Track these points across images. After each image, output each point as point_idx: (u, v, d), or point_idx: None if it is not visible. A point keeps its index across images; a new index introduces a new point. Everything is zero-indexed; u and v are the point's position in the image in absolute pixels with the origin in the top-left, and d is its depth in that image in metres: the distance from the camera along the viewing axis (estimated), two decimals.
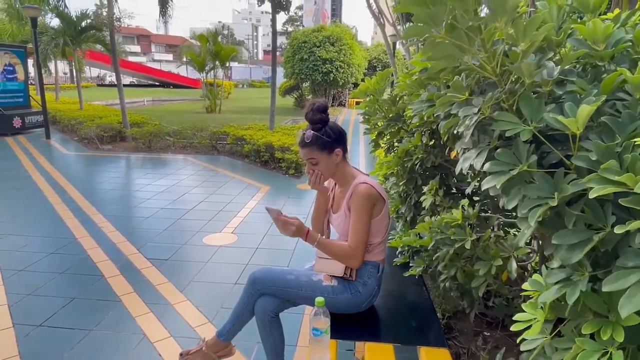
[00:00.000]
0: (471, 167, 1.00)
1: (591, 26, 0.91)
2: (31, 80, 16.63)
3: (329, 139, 1.82)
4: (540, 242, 1.56)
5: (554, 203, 0.81)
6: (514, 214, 0.92)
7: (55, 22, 15.76)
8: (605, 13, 1.18)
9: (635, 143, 0.76)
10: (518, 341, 0.94)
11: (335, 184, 2.03)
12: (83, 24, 14.70)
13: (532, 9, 1.16)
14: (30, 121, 11.31)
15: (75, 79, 18.92)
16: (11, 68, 11.37)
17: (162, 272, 3.35)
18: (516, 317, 0.96)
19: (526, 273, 1.84)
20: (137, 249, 3.81)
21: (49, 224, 4.44)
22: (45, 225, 4.42)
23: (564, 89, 0.91)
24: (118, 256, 3.63)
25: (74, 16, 14.48)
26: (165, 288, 3.09)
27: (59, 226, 4.35)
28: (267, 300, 1.88)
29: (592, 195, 0.74)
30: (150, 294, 2.99)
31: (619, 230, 0.71)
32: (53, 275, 3.24)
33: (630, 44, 0.96)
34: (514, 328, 0.95)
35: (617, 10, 1.12)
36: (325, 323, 1.51)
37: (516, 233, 1.86)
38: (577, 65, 1.07)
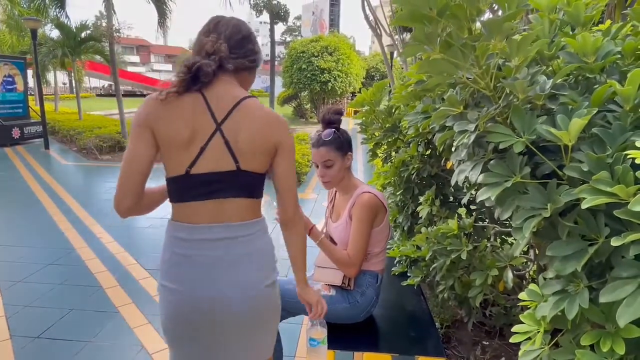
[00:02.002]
0: (466, 178, 1.01)
1: (581, 40, 0.93)
2: (30, 91, 16.69)
3: (344, 141, 1.84)
4: (537, 252, 1.56)
5: (547, 214, 0.82)
6: (511, 222, 0.92)
7: (55, 33, 15.83)
8: (598, 24, 1.20)
9: (628, 156, 0.77)
10: (520, 354, 0.93)
11: (336, 193, 2.03)
12: (82, 35, 14.75)
13: (524, 27, 1.18)
14: (29, 132, 11.35)
15: (74, 90, 18.98)
16: (10, 79, 11.43)
17: None
18: (515, 328, 0.96)
19: (524, 282, 1.84)
20: (135, 259, 3.80)
21: (47, 235, 4.42)
22: (44, 235, 4.41)
23: (556, 103, 0.92)
24: (116, 267, 3.62)
25: (73, 27, 14.56)
26: None
27: (57, 237, 4.35)
28: None
29: (584, 205, 0.75)
30: (149, 305, 2.97)
31: (615, 242, 0.72)
32: (51, 286, 3.23)
33: (620, 56, 0.97)
34: (513, 340, 0.95)
35: (608, 22, 1.14)
36: (322, 333, 1.51)
37: (513, 242, 1.87)
38: (570, 77, 1.08)
